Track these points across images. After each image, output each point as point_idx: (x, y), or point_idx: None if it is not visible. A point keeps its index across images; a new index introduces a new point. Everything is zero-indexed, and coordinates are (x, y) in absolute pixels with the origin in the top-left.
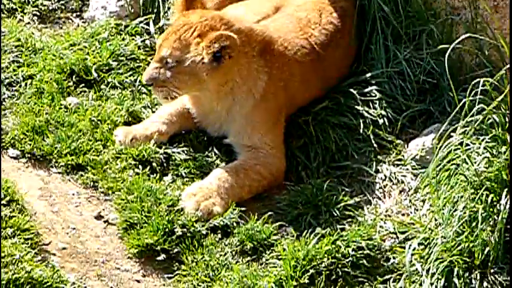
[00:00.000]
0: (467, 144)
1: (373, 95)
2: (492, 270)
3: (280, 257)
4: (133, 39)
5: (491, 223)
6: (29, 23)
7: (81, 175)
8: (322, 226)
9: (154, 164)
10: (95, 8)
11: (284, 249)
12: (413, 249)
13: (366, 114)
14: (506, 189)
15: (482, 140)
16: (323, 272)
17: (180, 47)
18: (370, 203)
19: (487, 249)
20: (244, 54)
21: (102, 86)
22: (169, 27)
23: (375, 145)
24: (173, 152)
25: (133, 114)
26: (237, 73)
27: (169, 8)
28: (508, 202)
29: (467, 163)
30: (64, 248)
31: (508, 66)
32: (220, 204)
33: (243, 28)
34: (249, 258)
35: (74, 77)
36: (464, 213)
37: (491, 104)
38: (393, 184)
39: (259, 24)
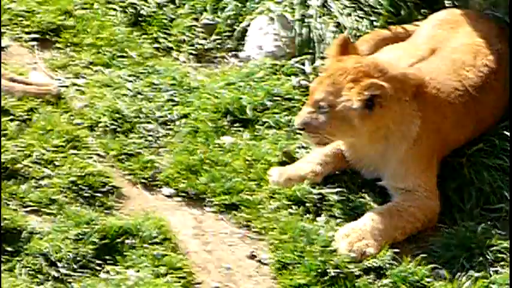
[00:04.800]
0: None
1: None
2: None
3: None
4: (288, 79)
5: None
6: (184, 61)
7: (235, 214)
8: (476, 269)
9: (308, 204)
10: (251, 47)
11: None
12: None
13: None
14: None
15: None
16: None
17: (334, 91)
18: None
19: None
20: (397, 100)
21: (257, 126)
22: (323, 72)
23: None
24: (327, 193)
25: (287, 154)
26: (390, 119)
27: (325, 49)
28: None
29: None
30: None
31: None
32: (374, 245)
33: (397, 74)
34: None
35: (228, 116)
36: None
37: None
38: None
39: (413, 67)
